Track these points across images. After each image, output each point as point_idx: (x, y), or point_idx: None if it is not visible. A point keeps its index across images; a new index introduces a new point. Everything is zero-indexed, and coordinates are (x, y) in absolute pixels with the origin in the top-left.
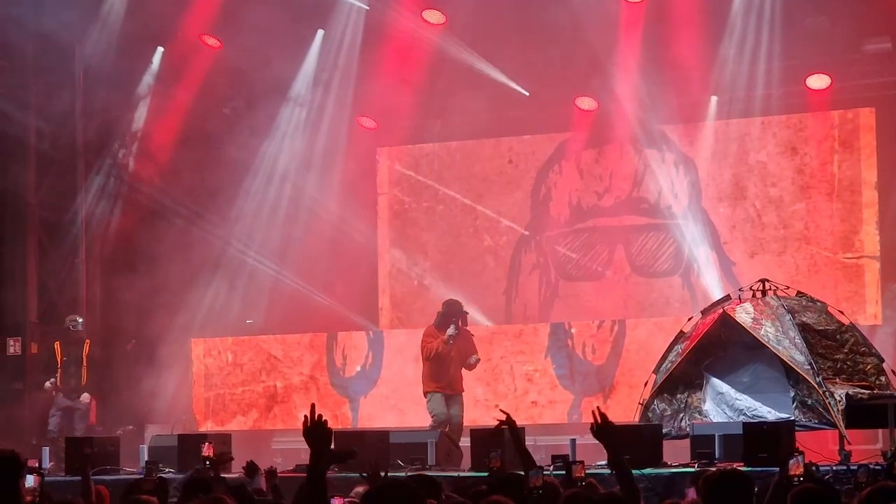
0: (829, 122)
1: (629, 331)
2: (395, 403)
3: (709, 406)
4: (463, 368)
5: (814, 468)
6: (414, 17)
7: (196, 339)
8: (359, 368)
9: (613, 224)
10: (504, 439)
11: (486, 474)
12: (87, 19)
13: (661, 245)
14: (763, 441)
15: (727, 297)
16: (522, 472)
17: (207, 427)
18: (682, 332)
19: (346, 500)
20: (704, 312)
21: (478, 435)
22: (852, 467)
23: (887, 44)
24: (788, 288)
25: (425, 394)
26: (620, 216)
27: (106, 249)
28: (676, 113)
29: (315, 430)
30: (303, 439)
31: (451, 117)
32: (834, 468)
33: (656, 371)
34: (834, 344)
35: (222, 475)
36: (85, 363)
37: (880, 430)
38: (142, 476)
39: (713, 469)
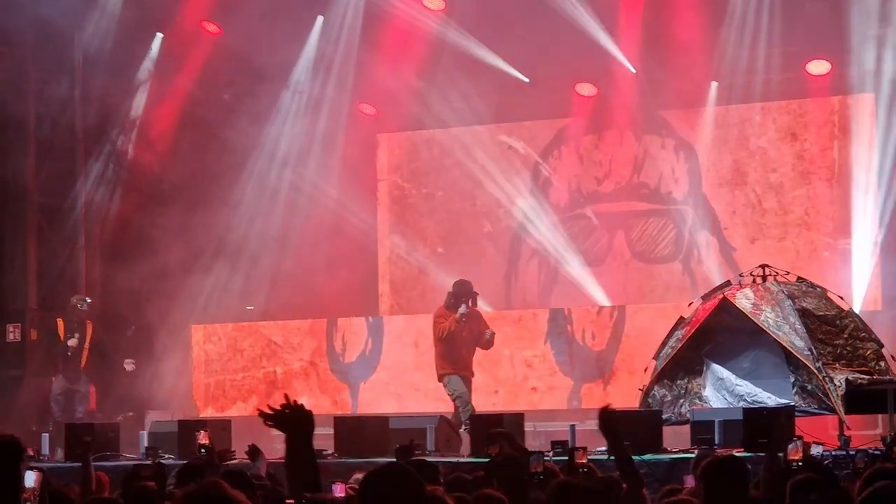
0: (829, 107)
1: (629, 317)
2: (394, 389)
3: (709, 392)
4: (478, 349)
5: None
6: (414, 3)
7: (196, 325)
8: (358, 354)
9: (613, 210)
10: (503, 425)
11: (485, 460)
12: (86, 5)
13: (662, 231)
14: (763, 427)
15: (727, 283)
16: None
17: (207, 413)
18: (682, 317)
19: (347, 485)
20: (705, 298)
21: (477, 421)
22: (851, 452)
23: (886, 29)
24: (788, 273)
25: (440, 377)
26: (620, 202)
27: (105, 235)
28: (677, 98)
29: (292, 416)
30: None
31: (451, 103)
32: (833, 453)
33: (656, 357)
34: (834, 329)
35: (224, 462)
36: (87, 345)
37: (880, 416)
38: (141, 461)
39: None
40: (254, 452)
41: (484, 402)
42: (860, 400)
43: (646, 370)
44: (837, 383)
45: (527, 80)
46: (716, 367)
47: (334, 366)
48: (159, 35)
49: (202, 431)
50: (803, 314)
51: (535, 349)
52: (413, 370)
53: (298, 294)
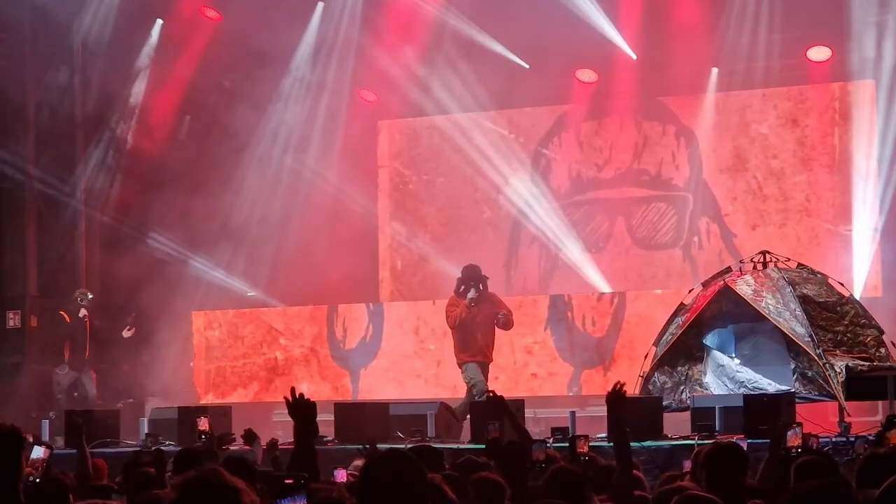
0: (829, 94)
1: (629, 303)
2: (395, 376)
3: (709, 378)
4: (498, 331)
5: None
6: None
7: (196, 311)
8: (359, 341)
9: (614, 196)
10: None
11: (483, 446)
12: None
13: (662, 217)
14: (763, 413)
15: (728, 269)
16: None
17: (208, 400)
18: (682, 304)
19: (347, 472)
20: (705, 284)
21: (477, 407)
22: (851, 439)
23: (887, 15)
24: (789, 260)
25: (459, 365)
26: (621, 188)
27: (105, 222)
28: (677, 85)
29: (300, 406)
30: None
31: (452, 90)
32: (833, 440)
33: (657, 343)
34: (834, 316)
35: (224, 447)
36: (88, 335)
37: (880, 402)
38: (141, 448)
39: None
40: (250, 437)
41: None
42: (860, 386)
43: (646, 357)
44: (838, 370)
45: (527, 66)
46: (716, 353)
47: (335, 352)
48: (159, 21)
49: (202, 418)
50: (804, 300)
51: (536, 335)
52: (413, 356)
53: (299, 281)
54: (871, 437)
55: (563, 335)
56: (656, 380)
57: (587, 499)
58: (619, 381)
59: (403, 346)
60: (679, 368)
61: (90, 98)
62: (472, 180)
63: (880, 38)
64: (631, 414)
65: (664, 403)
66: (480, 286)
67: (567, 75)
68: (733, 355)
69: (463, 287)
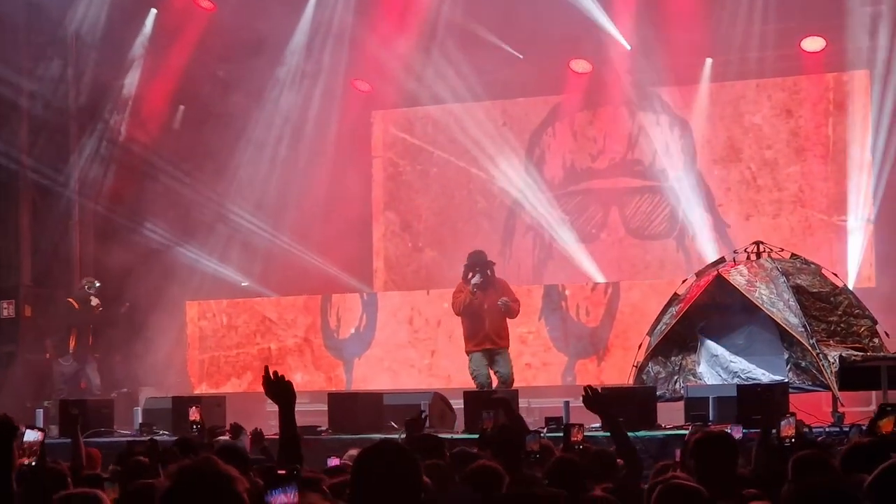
0: (823, 84)
1: (623, 293)
2: (388, 365)
3: (703, 368)
4: (507, 319)
5: (806, 429)
6: None
7: (190, 301)
8: (353, 330)
9: (607, 186)
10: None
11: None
12: None
13: (656, 207)
14: (757, 403)
15: (722, 260)
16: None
17: (202, 389)
18: (676, 294)
19: (341, 461)
20: (699, 275)
21: (471, 396)
22: (845, 429)
23: (881, 5)
24: (783, 250)
25: (467, 353)
26: (615, 178)
27: (99, 212)
28: (671, 75)
29: (279, 387)
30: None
31: (446, 80)
32: (827, 430)
33: (650, 333)
34: (828, 306)
35: (214, 440)
36: (95, 325)
37: (873, 392)
38: (135, 438)
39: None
40: (236, 430)
41: None
42: (854, 376)
43: (640, 346)
44: (831, 360)
45: (521, 56)
46: (710, 343)
47: (329, 342)
48: (153, 11)
49: (194, 408)
50: (797, 291)
51: (530, 325)
52: (407, 346)
53: (293, 270)
54: (864, 428)
55: (557, 325)
56: (650, 370)
57: (586, 488)
58: (585, 386)
59: (397, 335)
60: (673, 358)
61: (84, 88)
62: (466, 170)
63: (874, 28)
64: (624, 404)
65: (658, 393)
66: (488, 272)
67: (561, 65)
68: (727, 345)
69: (470, 274)
